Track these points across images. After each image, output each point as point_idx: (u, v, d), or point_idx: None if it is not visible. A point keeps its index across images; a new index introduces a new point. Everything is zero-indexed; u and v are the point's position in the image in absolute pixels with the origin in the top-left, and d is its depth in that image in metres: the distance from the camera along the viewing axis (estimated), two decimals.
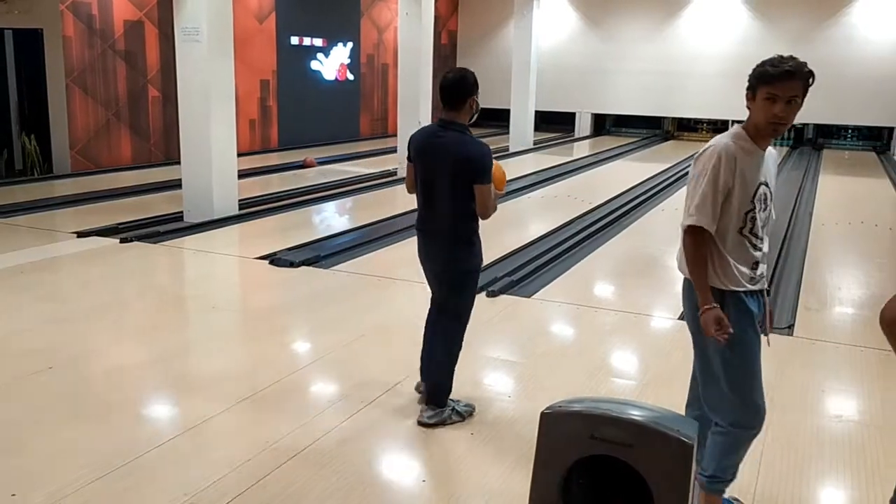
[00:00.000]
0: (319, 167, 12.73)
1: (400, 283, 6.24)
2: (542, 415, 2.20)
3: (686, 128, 19.89)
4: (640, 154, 16.41)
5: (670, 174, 12.84)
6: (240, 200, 8.75)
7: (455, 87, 3.53)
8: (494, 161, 3.62)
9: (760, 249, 2.73)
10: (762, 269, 2.76)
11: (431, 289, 3.91)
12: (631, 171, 13.75)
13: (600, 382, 4.34)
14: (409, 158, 3.74)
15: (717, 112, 18.54)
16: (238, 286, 6.52)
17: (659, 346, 4.99)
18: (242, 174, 10.10)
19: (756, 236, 2.70)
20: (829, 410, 4.06)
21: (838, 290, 6.38)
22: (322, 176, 11.74)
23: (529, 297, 5.85)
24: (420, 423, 3.70)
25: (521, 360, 4.67)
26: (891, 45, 16.86)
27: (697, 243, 2.66)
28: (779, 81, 2.56)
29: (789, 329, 5.27)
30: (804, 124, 18.42)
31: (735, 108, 19.51)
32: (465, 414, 3.78)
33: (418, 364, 4.24)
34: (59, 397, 3.96)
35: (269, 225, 8.42)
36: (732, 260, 2.66)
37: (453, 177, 3.51)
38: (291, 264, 6.56)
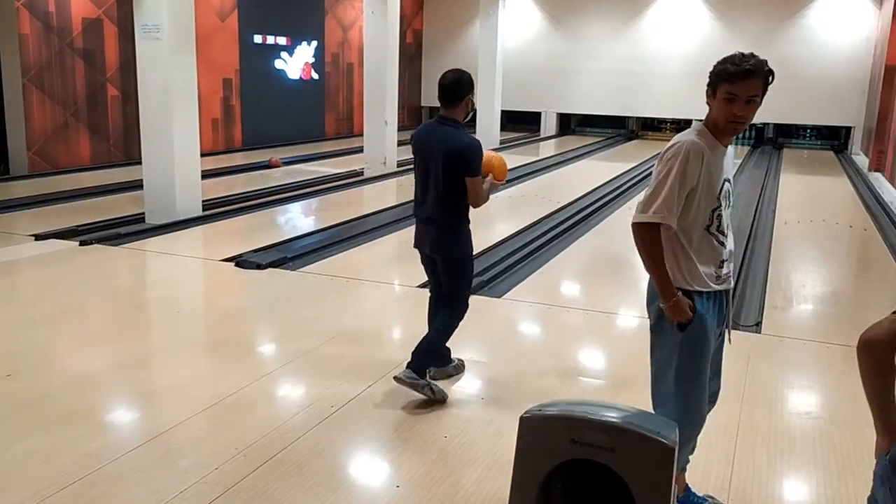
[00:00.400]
0: (285, 167, 12.59)
1: (369, 284, 6.17)
2: (521, 419, 2.16)
3: (650, 127, 20.09)
4: (605, 153, 16.51)
5: (635, 173, 12.93)
6: (204, 201, 8.61)
7: (453, 86, 3.80)
8: (496, 153, 3.97)
9: (726, 246, 2.73)
10: (728, 267, 2.75)
11: (428, 276, 4.22)
12: (596, 170, 13.83)
13: (573, 383, 4.32)
14: (413, 151, 4.03)
15: (681, 112, 18.75)
16: (203, 289, 6.40)
17: (629, 346, 4.99)
18: (206, 174, 9.93)
19: (722, 233, 2.70)
20: (799, 407, 4.09)
21: (803, 287, 6.46)
22: (288, 176, 11.61)
23: (500, 297, 5.83)
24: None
25: (494, 360, 4.64)
26: (848, 47, 17.19)
27: (657, 239, 2.62)
28: (739, 80, 2.54)
29: (757, 326, 5.31)
30: (765, 123, 18.72)
31: (697, 107, 19.76)
32: (437, 395, 3.91)
33: (389, 368, 4.22)
34: (18, 406, 3.83)
35: (235, 226, 8.29)
36: (698, 259, 2.64)
37: (445, 168, 3.77)
38: (258, 266, 6.45)
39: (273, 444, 3.47)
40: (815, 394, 4.29)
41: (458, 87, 3.79)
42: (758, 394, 4.16)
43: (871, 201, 10.84)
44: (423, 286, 6.03)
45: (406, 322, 5.43)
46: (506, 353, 4.74)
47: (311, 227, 8.45)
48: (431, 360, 4.03)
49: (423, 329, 4.87)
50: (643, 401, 4.05)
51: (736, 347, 4.79)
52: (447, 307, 4.07)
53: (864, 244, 8.41)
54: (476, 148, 3.79)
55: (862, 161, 15.49)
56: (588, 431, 2.07)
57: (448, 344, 4.17)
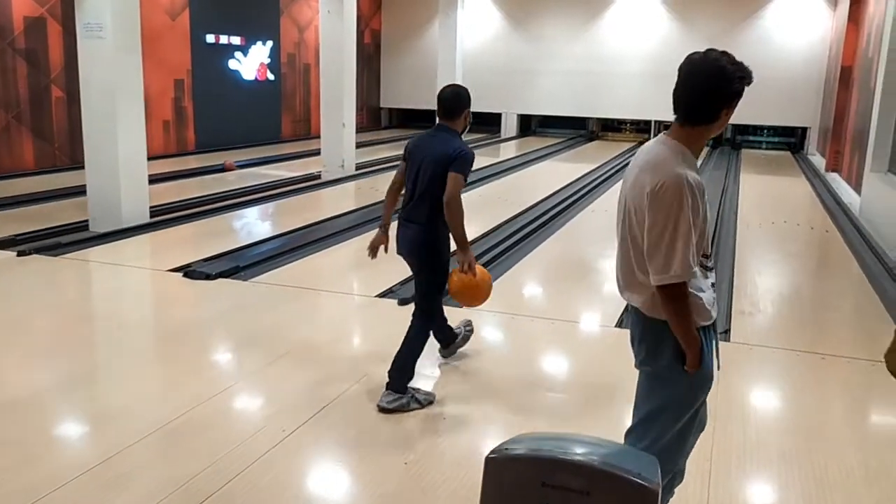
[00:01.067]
0: (240, 170, 12.22)
1: (325, 294, 5.91)
2: (487, 460, 1.94)
3: (610, 128, 20.09)
4: (566, 155, 16.42)
5: (597, 175, 12.84)
6: (152, 207, 8.23)
7: (453, 100, 3.96)
8: (484, 271, 4.13)
9: (713, 270, 2.49)
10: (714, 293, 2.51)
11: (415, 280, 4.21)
12: (558, 171, 13.71)
13: (539, 398, 4.12)
14: (403, 158, 4.12)
15: (640, 112, 18.79)
16: (149, 302, 6.05)
17: (598, 357, 4.81)
18: (156, 179, 9.57)
19: (707, 258, 2.44)
20: (773, 420, 3.95)
21: (769, 292, 6.36)
22: (242, 180, 11.25)
23: (462, 306, 5.59)
24: (379, 407, 3.83)
25: (455, 375, 4.41)
26: (803, 48, 17.36)
27: (684, 296, 2.29)
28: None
29: (725, 334, 5.17)
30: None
31: (656, 108, 20.05)
32: (424, 402, 3.90)
33: (349, 383, 4.01)
34: None
35: (184, 233, 7.94)
36: (697, 289, 2.35)
37: (436, 171, 3.83)
38: (207, 277, 6.13)
39: (226, 469, 3.21)
40: (788, 405, 4.15)
41: (457, 101, 3.95)
42: (731, 407, 4.00)
43: (830, 202, 10.88)
44: (382, 295, 5.81)
45: (366, 335, 5.19)
46: (468, 367, 4.52)
47: (266, 233, 8.12)
48: (409, 376, 3.96)
49: (383, 342, 4.65)
50: (614, 416, 3.89)
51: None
52: (417, 312, 4.10)
53: (827, 246, 8.38)
54: (469, 155, 3.87)
55: (818, 161, 15.63)
56: (561, 473, 1.86)
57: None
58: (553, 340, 5.07)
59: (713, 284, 2.45)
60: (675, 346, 2.37)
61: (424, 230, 3.94)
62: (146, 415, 3.75)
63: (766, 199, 11.37)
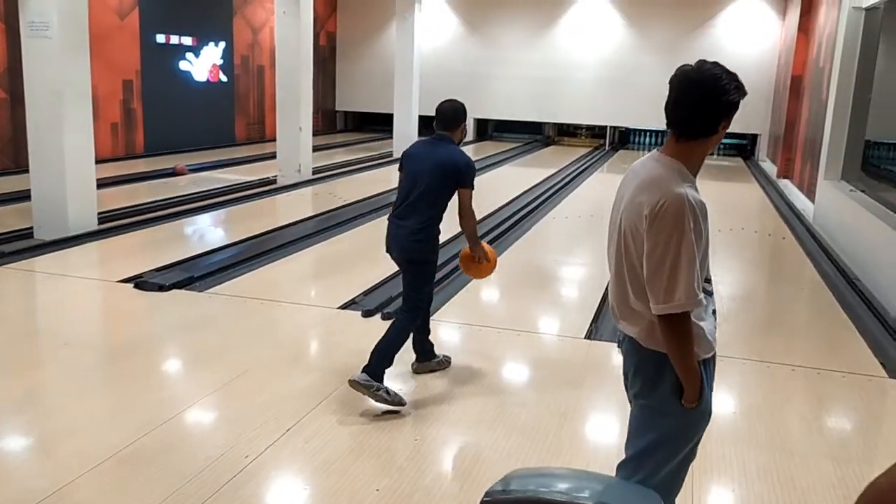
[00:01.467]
0: (192, 175, 11.88)
1: (286, 305, 5.70)
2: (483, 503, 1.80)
3: (566, 133, 20.17)
4: (524, 159, 16.40)
5: (556, 180, 12.81)
6: (100, 213, 7.90)
7: (452, 114, 4.20)
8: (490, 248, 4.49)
9: (712, 295, 2.38)
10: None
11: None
12: (517, 177, 13.66)
13: (514, 418, 3.99)
14: (399, 167, 4.26)
15: (596, 118, 18.89)
16: (97, 316, 5.77)
17: (571, 371, 4.70)
18: (104, 183, 9.23)
19: (708, 282, 2.33)
20: (750, 438, 3.89)
21: (733, 301, 6.37)
22: (195, 184, 10.92)
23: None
24: (349, 381, 3.88)
25: (423, 393, 4.26)
26: (753, 57, 17.63)
27: (687, 327, 2.15)
28: None
29: None
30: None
31: (611, 113, 20.14)
32: (394, 401, 3.92)
33: (315, 401, 3.88)
34: None
35: (135, 241, 7.64)
36: (695, 320, 2.20)
37: (438, 178, 4.03)
38: (160, 288, 5.88)
39: (183, 502, 3.01)
40: (764, 421, 4.10)
41: (455, 115, 4.20)
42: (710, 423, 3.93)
43: (784, 209, 11.03)
44: (345, 307, 5.63)
45: (331, 349, 5.00)
46: (435, 384, 4.37)
47: (221, 241, 7.85)
48: (387, 364, 4.02)
49: (349, 356, 4.50)
50: (596, 436, 3.80)
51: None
52: (404, 307, 4.21)
53: (784, 253, 8.46)
54: (472, 166, 4.15)
55: (769, 168, 15.89)
56: None
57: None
58: (523, 354, 4.95)
59: (714, 311, 2.33)
60: (673, 379, 2.23)
61: (421, 232, 4.08)
62: (98, 440, 3.52)
63: (721, 205, 11.46)
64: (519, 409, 4.10)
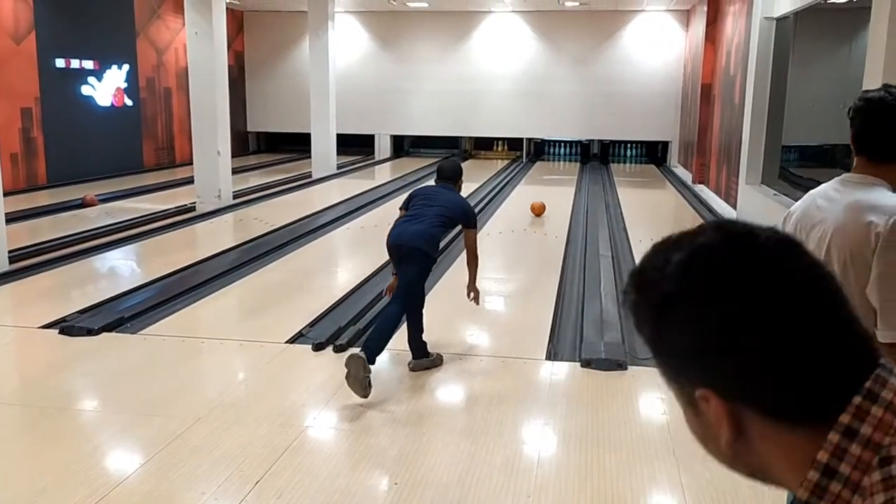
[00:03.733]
0: (102, 205, 11.24)
1: (230, 343, 5.35)
2: None
3: (483, 146, 20.27)
4: None
5: (481, 195, 12.78)
6: (9, 252, 7.32)
7: (453, 172, 5.02)
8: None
9: None
10: None
11: (395, 271, 4.81)
12: None
13: (492, 456, 3.82)
14: (404, 206, 4.87)
15: (511, 130, 19.06)
16: (19, 368, 5.27)
17: (554, 393, 4.57)
18: (6, 219, 8.56)
19: None
20: None
21: None
22: (108, 216, 10.32)
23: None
24: (354, 356, 4.16)
25: (397, 431, 4.04)
26: (661, 66, 18.20)
27: None
28: None
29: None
30: (590, 140, 19.43)
31: (526, 126, 20.35)
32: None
33: (284, 444, 3.57)
34: None
35: (51, 282, 7.09)
36: None
37: (448, 210, 4.72)
38: (89, 332, 5.42)
39: None
40: None
41: (456, 173, 5.01)
42: (688, 444, 3.86)
43: (706, 214, 11.30)
44: (293, 341, 5.34)
45: (287, 386, 4.69)
46: (396, 415, 4.16)
47: (146, 276, 7.35)
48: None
49: (309, 392, 4.26)
50: (593, 458, 3.64)
51: (646, 387, 4.54)
52: (396, 300, 4.69)
53: None
54: (473, 212, 5.02)
55: (682, 173, 16.36)
56: None
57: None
58: (492, 379, 4.79)
59: None
60: None
61: (431, 229, 4.63)
62: None
63: (644, 212, 11.67)
64: (501, 437, 3.93)
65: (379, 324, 4.60)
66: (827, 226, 2.08)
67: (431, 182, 5.25)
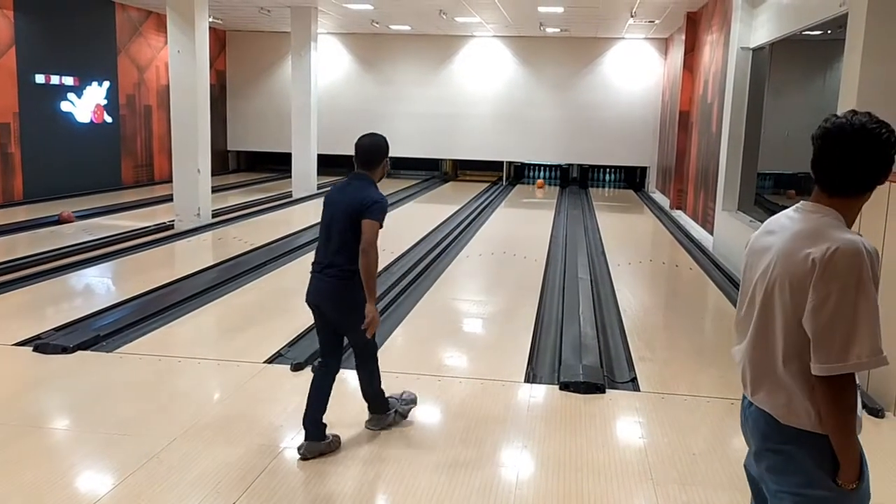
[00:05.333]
0: (80, 222, 11.14)
1: (207, 363, 5.31)
2: None
3: (464, 168, 20.37)
4: (425, 196, 16.39)
5: (462, 217, 12.83)
6: None
7: (371, 150, 3.93)
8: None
9: None
10: None
11: (318, 332, 4.09)
12: (421, 214, 13.61)
13: (472, 478, 3.81)
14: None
15: (492, 153, 19.16)
16: None
17: (533, 416, 4.58)
18: None
19: None
20: (711, 478, 3.86)
21: (658, 331, 6.45)
22: (85, 233, 10.23)
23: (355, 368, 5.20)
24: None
25: (362, 447, 4.03)
26: (639, 93, 18.43)
27: (853, 390, 1.92)
28: None
29: (633, 383, 5.13)
30: (570, 165, 19.60)
31: (506, 149, 20.50)
32: (405, 412, 4.31)
33: (262, 465, 3.64)
34: None
35: (26, 298, 7.01)
36: None
37: (349, 217, 3.78)
38: (64, 350, 5.37)
39: None
40: (718, 460, 4.08)
41: (376, 150, 3.94)
42: (665, 468, 3.89)
43: (684, 240, 11.41)
44: (271, 360, 5.32)
45: (265, 407, 4.65)
46: (393, 442, 4.14)
47: (123, 294, 7.26)
48: (382, 400, 4.20)
49: (287, 413, 4.24)
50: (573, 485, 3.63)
51: (625, 410, 4.57)
52: (359, 358, 4.12)
53: (694, 284, 8.70)
54: (382, 202, 3.84)
55: (660, 198, 16.53)
56: None
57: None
58: (469, 401, 4.78)
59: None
60: (822, 459, 1.98)
61: (343, 283, 3.83)
62: None
63: (623, 236, 11.78)
64: (474, 466, 3.93)
65: (362, 387, 4.20)
66: (773, 254, 2.07)
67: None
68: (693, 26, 14.13)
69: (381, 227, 3.82)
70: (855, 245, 1.91)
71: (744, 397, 2.22)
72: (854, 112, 2.02)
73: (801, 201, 2.11)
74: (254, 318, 6.52)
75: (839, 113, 2.06)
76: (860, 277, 1.88)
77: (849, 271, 1.88)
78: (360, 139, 3.97)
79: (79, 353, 5.37)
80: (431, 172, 20.14)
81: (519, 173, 20.18)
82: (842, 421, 1.92)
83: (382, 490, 3.66)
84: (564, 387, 4.93)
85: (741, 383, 2.21)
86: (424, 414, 4.63)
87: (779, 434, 2.03)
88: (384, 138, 4.02)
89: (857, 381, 1.98)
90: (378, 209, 3.80)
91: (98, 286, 7.88)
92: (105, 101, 14.97)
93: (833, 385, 1.90)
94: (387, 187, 17.37)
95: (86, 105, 14.40)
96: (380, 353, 5.46)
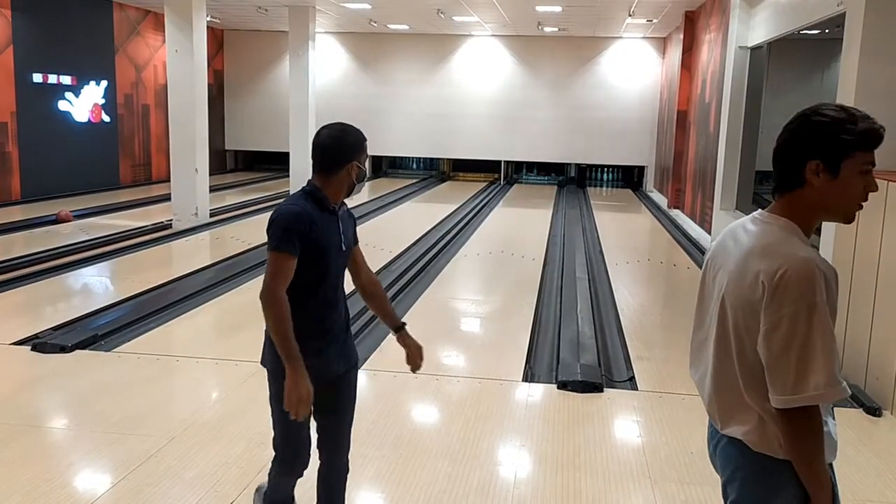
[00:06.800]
0: (77, 221, 11.13)
1: (205, 362, 5.32)
2: None
3: (461, 168, 20.36)
4: (423, 196, 16.38)
5: (460, 216, 12.83)
6: None
7: (330, 149, 2.63)
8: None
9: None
10: None
11: None
12: (419, 213, 13.60)
13: (476, 474, 3.81)
14: None
15: (489, 153, 19.15)
16: None
17: (531, 415, 4.58)
18: None
19: None
20: (711, 478, 3.87)
21: (656, 331, 6.45)
22: (82, 232, 10.22)
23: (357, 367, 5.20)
24: None
25: (360, 447, 4.03)
26: (637, 92, 18.43)
27: (818, 423, 1.77)
28: (878, 144, 1.79)
29: (631, 382, 5.14)
30: (568, 164, 19.60)
31: (504, 149, 20.53)
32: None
33: (258, 464, 3.60)
34: None
35: (23, 298, 7.01)
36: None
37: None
38: (62, 349, 5.36)
39: None
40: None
41: (335, 149, 2.62)
42: (663, 467, 3.90)
43: (682, 239, 11.42)
44: None
45: (263, 408, 4.64)
46: (390, 441, 4.15)
47: (121, 294, 7.26)
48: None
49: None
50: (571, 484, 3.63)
51: (622, 409, 4.57)
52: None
53: (692, 283, 8.70)
54: (278, 218, 2.58)
55: (658, 198, 16.54)
56: None
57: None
58: (467, 400, 4.78)
59: (832, 407, 1.92)
60: (794, 489, 1.84)
61: (268, 338, 2.69)
62: None
63: (620, 235, 11.78)
64: (473, 465, 3.93)
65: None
66: (724, 274, 1.91)
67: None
68: (691, 25, 14.14)
69: (287, 255, 2.56)
70: (807, 266, 1.73)
71: (710, 426, 2.05)
72: (825, 104, 1.85)
73: (759, 210, 1.93)
74: (251, 317, 6.48)
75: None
76: (813, 302, 1.70)
77: (800, 295, 1.71)
78: (317, 133, 2.68)
79: (77, 352, 5.37)
80: (429, 172, 20.15)
81: (517, 172, 20.17)
82: (805, 454, 1.78)
83: (380, 489, 3.66)
84: (562, 386, 4.93)
85: (708, 414, 2.04)
86: (422, 413, 4.63)
87: (751, 463, 1.88)
88: (352, 131, 2.68)
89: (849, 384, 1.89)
90: (272, 232, 2.57)
91: (96, 285, 7.88)
92: (103, 101, 14.95)
93: (790, 417, 1.75)
94: (384, 187, 17.43)
95: (83, 104, 14.39)
96: (379, 352, 5.53)
